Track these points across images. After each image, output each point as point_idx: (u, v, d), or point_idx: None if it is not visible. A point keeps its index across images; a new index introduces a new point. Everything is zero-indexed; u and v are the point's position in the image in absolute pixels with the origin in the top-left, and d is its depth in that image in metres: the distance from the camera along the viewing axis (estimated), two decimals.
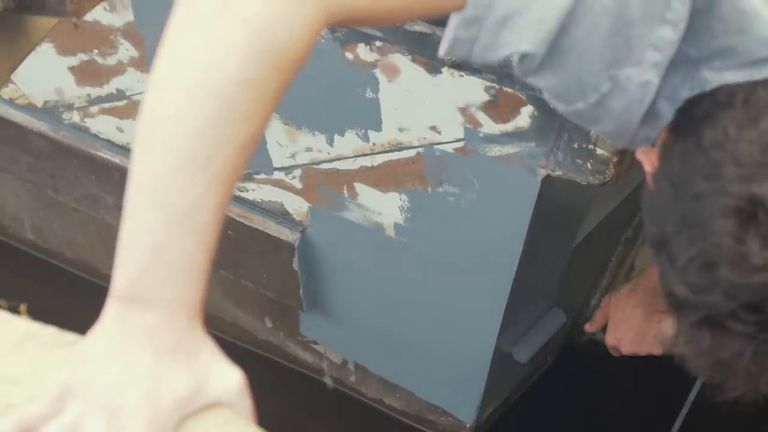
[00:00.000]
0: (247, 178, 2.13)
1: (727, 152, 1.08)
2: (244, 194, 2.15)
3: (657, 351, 2.07)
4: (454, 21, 1.13)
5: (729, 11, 1.12)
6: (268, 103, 1.02)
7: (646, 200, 1.19)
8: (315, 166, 2.04)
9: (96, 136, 2.29)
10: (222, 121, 0.99)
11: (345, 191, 2.03)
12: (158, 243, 0.98)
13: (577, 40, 1.11)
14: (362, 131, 1.95)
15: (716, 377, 1.14)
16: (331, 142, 1.99)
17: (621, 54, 1.12)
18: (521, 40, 1.12)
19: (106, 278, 1.01)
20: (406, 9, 1.13)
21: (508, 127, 1.79)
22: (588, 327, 2.24)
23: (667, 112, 1.19)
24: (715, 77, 1.15)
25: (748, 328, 1.07)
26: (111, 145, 2.27)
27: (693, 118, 1.15)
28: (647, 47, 1.12)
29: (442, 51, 1.15)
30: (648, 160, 1.23)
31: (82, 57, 2.20)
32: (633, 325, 2.06)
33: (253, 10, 1.00)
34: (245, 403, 1.00)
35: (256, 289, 2.26)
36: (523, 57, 1.13)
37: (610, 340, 2.11)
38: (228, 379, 0.99)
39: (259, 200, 2.15)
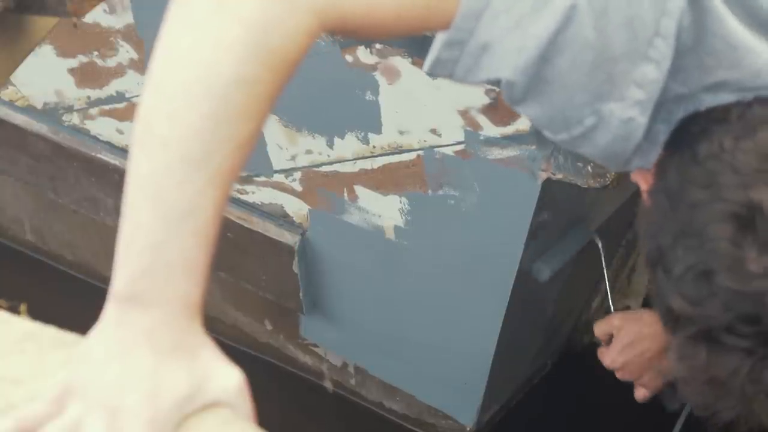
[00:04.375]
0: (247, 180, 2.13)
1: (724, 162, 1.09)
2: (244, 196, 2.15)
3: (655, 385, 2.05)
4: (438, 41, 1.14)
5: (720, 46, 1.13)
6: (264, 103, 1.03)
7: (641, 217, 1.19)
8: (315, 169, 2.04)
9: (96, 138, 2.29)
10: (218, 120, 0.99)
11: (345, 194, 2.03)
12: (157, 243, 0.98)
13: (559, 71, 1.12)
14: (362, 134, 1.95)
15: (709, 398, 1.12)
16: (331, 145, 1.99)
17: (604, 88, 1.13)
18: (501, 67, 1.12)
19: (106, 280, 1.01)
20: (395, 24, 1.14)
21: (509, 130, 1.79)
22: (595, 329, 2.15)
23: (664, 135, 1.19)
24: (710, 98, 1.16)
25: (745, 342, 1.06)
26: (111, 147, 2.27)
27: (688, 134, 1.16)
28: (630, 84, 1.12)
29: (425, 67, 1.17)
30: (643, 179, 1.24)
31: (82, 59, 2.20)
32: (640, 354, 2.03)
33: (248, 12, 1.01)
34: (245, 403, 1.00)
35: (256, 292, 2.26)
36: (508, 85, 1.14)
37: (609, 361, 2.06)
38: (228, 378, 0.99)
39: (259, 203, 2.15)
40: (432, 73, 1.16)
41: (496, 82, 1.15)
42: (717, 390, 1.11)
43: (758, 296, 1.05)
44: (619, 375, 2.05)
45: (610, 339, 2.07)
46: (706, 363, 1.09)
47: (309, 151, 2.02)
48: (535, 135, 1.76)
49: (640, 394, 2.08)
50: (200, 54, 1.00)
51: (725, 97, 1.15)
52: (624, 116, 1.14)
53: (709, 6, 1.11)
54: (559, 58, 1.10)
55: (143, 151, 1.00)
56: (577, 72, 1.11)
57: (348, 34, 1.15)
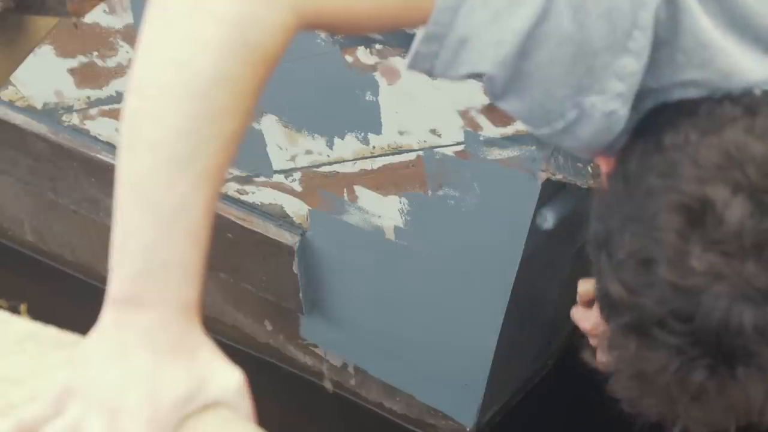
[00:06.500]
0: (247, 180, 2.13)
1: (687, 154, 1.08)
2: (243, 197, 2.15)
3: None
4: (417, 35, 1.13)
5: (691, 44, 1.12)
6: (245, 100, 1.02)
7: (596, 199, 1.18)
8: (315, 169, 2.04)
9: (96, 139, 2.29)
10: (201, 119, 0.99)
11: (345, 194, 2.03)
12: (149, 244, 0.98)
13: (539, 64, 1.11)
14: (362, 134, 1.95)
15: (634, 393, 1.10)
16: (331, 145, 1.99)
17: (585, 81, 1.12)
18: (480, 61, 1.12)
19: (106, 280, 1.01)
20: (373, 19, 1.13)
21: (509, 130, 1.79)
22: (579, 285, 2.00)
23: (632, 123, 1.18)
24: (680, 92, 1.15)
25: (676, 339, 1.04)
26: (111, 147, 2.27)
27: (655, 123, 1.15)
28: (611, 77, 1.12)
29: (406, 63, 1.16)
30: (605, 162, 1.23)
31: (82, 59, 2.20)
32: None
33: (223, 9, 1.01)
34: (245, 403, 1.00)
35: (255, 292, 2.26)
36: (488, 80, 1.13)
37: (589, 324, 1.95)
38: (227, 378, 0.99)
39: (259, 203, 2.15)
40: (412, 68, 1.16)
41: (478, 77, 1.15)
42: (642, 386, 1.09)
43: (695, 293, 1.03)
44: (592, 341, 1.96)
45: (590, 302, 1.98)
46: (635, 356, 1.07)
47: (309, 152, 2.02)
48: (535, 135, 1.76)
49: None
50: (179, 54, 1.00)
51: (695, 92, 1.14)
52: (606, 109, 1.13)
53: (683, 3, 1.11)
54: (538, 52, 1.10)
55: (130, 153, 1.00)
56: (557, 65, 1.11)
57: (326, 29, 1.14)
